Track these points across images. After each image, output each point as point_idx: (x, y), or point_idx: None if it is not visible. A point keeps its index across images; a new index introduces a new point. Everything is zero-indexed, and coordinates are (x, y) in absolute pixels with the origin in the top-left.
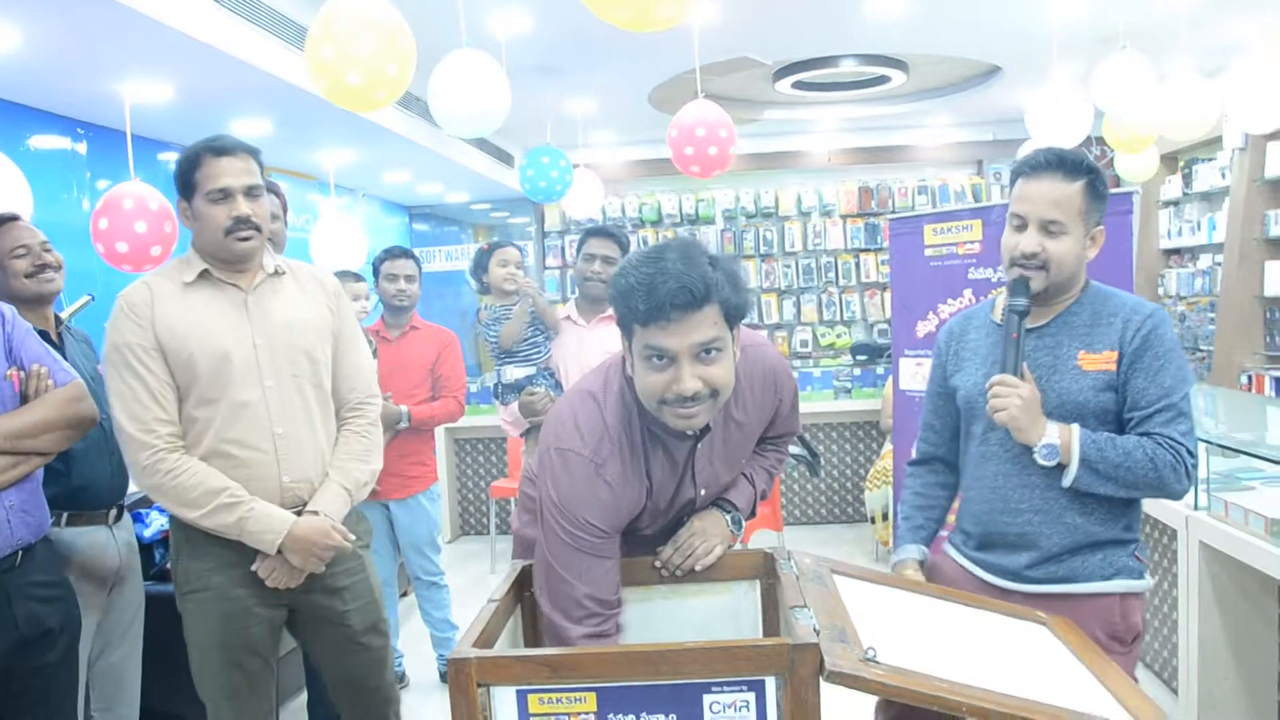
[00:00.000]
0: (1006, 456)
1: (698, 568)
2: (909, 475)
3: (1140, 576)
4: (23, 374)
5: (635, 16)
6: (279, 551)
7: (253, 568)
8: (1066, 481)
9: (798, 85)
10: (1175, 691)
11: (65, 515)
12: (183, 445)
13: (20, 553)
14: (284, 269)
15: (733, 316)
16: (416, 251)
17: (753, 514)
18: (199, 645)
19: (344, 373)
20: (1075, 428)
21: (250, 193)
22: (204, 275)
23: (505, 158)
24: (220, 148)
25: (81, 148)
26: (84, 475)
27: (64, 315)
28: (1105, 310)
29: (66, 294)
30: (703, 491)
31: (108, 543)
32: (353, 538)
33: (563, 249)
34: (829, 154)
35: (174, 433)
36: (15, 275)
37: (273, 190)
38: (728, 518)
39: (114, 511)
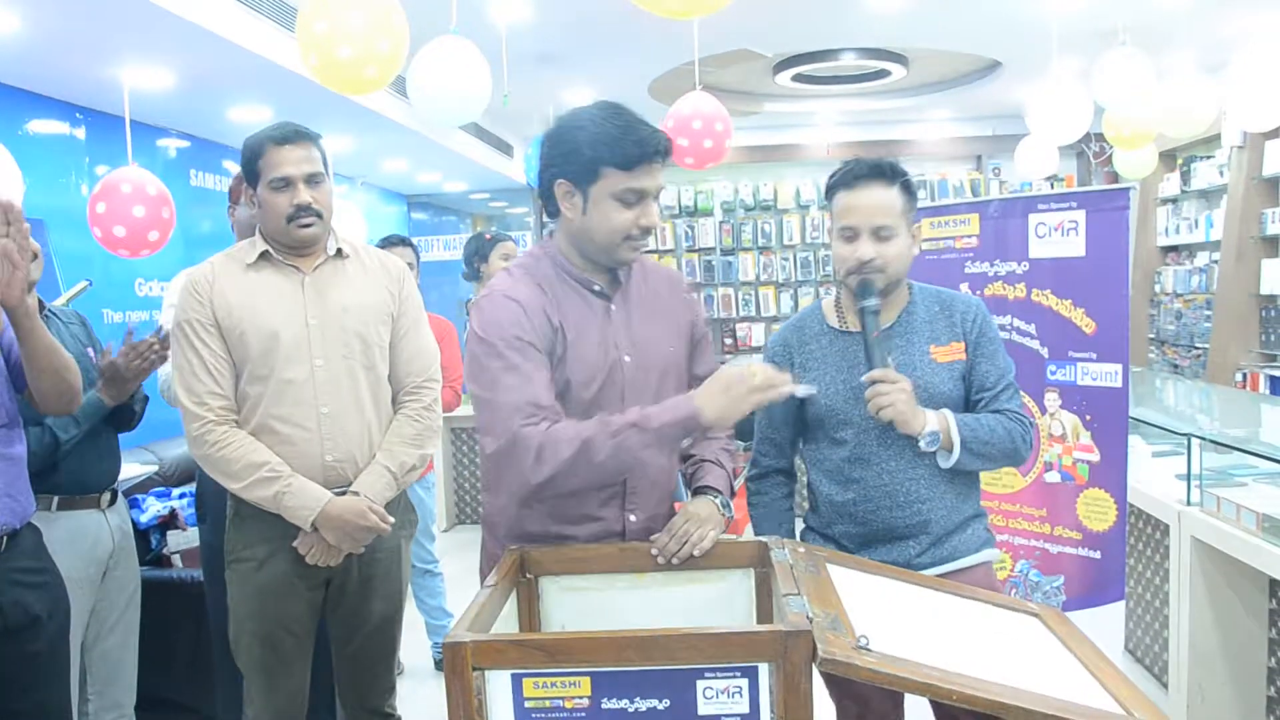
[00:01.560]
0: (887, 455)
1: (696, 552)
2: (754, 492)
3: (993, 545)
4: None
5: (685, 5)
6: (315, 529)
7: (294, 543)
8: (948, 464)
9: (798, 78)
10: (1165, 685)
11: (56, 499)
12: (234, 419)
13: (5, 538)
14: (348, 252)
15: None
16: (415, 240)
17: (733, 493)
18: (237, 615)
19: (404, 356)
20: (948, 413)
21: (311, 180)
22: (265, 256)
23: (504, 147)
24: (282, 136)
25: (80, 133)
26: (74, 459)
27: (61, 300)
28: (939, 306)
29: (65, 278)
30: (626, 358)
31: (100, 527)
32: (391, 520)
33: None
34: (828, 147)
35: (226, 406)
36: None
37: None
38: (717, 501)
39: (107, 495)
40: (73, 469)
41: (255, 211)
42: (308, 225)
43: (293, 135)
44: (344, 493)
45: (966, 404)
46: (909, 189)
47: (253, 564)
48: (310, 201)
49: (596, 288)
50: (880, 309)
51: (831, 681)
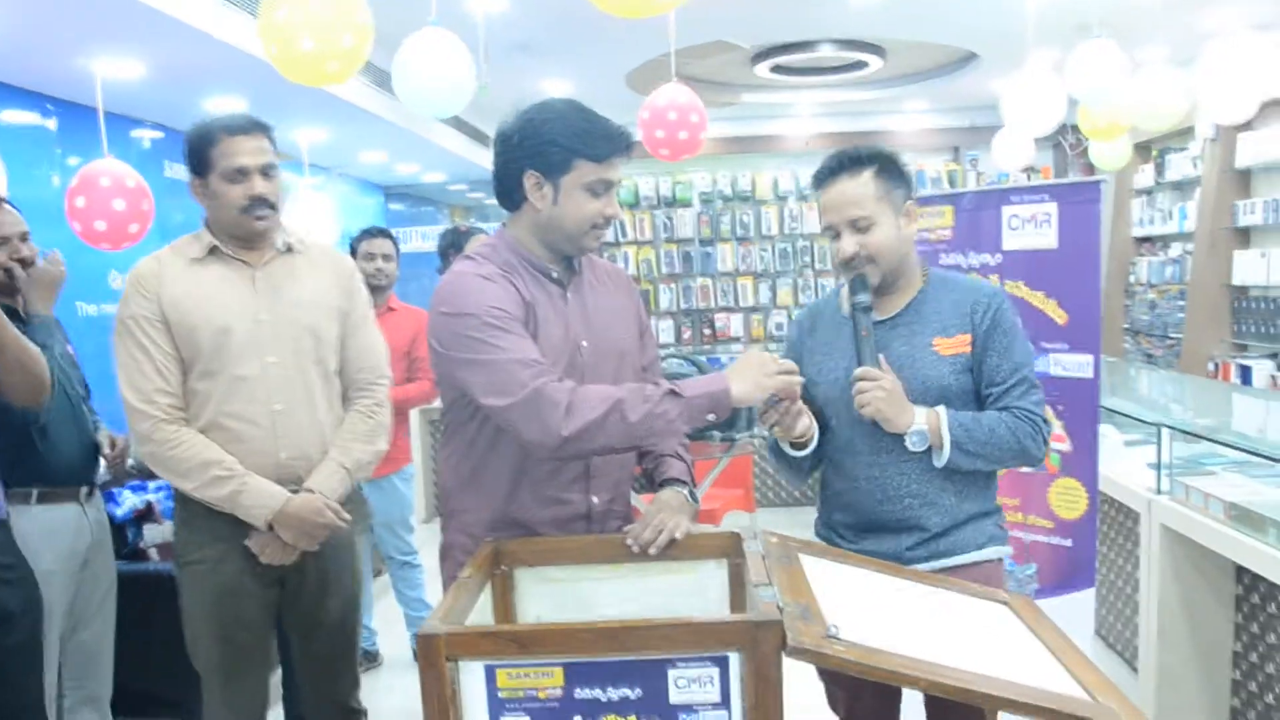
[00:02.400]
0: (876, 448)
1: (678, 534)
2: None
3: (1004, 543)
4: None
5: (636, 5)
6: (271, 528)
7: (246, 542)
8: (940, 463)
9: (776, 69)
10: (1135, 669)
11: (36, 492)
12: (183, 417)
13: None
14: (298, 247)
15: None
16: (394, 232)
17: (695, 483)
18: (193, 617)
19: (353, 353)
20: (941, 411)
21: (266, 171)
22: (214, 251)
23: (482, 138)
24: (236, 125)
25: (52, 124)
26: (56, 452)
27: None
28: (950, 296)
29: None
30: (584, 343)
31: (80, 520)
32: (348, 517)
33: None
34: (806, 138)
35: (174, 404)
36: None
37: None
38: (685, 492)
39: (85, 489)
40: (52, 462)
41: (206, 202)
42: (262, 217)
43: (249, 125)
44: (297, 490)
45: (979, 399)
46: (887, 170)
47: (206, 565)
48: (265, 193)
49: (554, 275)
50: (871, 305)
51: (824, 672)
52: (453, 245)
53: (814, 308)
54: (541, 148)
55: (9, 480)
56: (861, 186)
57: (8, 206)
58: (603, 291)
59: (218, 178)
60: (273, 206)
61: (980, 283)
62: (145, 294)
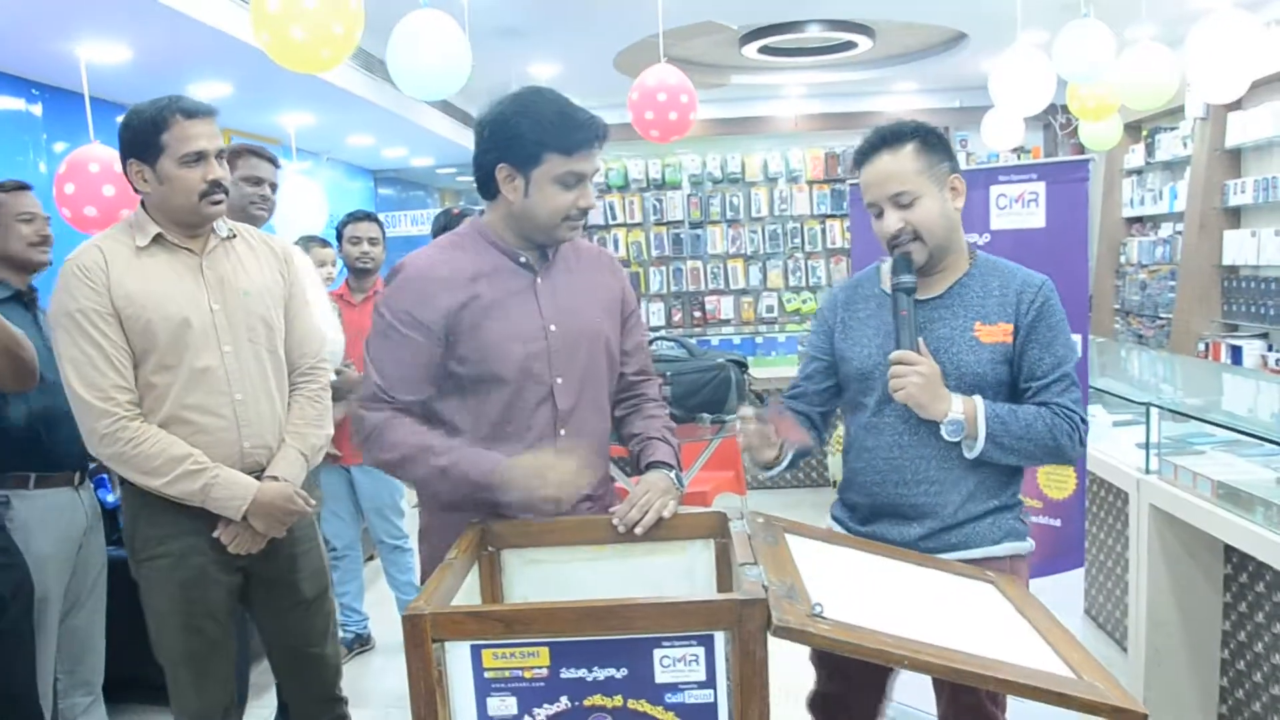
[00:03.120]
0: (902, 429)
1: (665, 514)
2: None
3: (1024, 539)
4: None
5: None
6: (244, 518)
7: (215, 534)
8: (972, 454)
9: (764, 50)
10: (1124, 649)
11: (34, 477)
12: (140, 413)
13: None
14: (235, 232)
15: None
16: (381, 216)
17: (681, 466)
18: (157, 612)
19: (295, 338)
20: (978, 401)
21: (219, 155)
22: (158, 239)
23: (470, 121)
24: (191, 109)
25: (37, 109)
26: (55, 438)
27: None
28: (997, 282)
29: None
30: (553, 327)
31: (75, 504)
32: (314, 502)
33: None
34: (795, 119)
35: (132, 400)
36: (18, 238)
37: (271, 159)
38: (671, 474)
39: (78, 474)
40: (51, 447)
41: (151, 188)
42: (218, 202)
43: (203, 109)
44: (259, 478)
45: (1013, 390)
46: (926, 143)
47: (170, 560)
48: (223, 178)
49: (523, 259)
50: (914, 286)
51: (817, 654)
52: (445, 227)
53: (853, 282)
54: (511, 141)
55: (8, 464)
56: (903, 160)
57: (32, 192)
58: (579, 274)
59: (171, 162)
60: (226, 191)
61: (1031, 273)
62: (93, 286)
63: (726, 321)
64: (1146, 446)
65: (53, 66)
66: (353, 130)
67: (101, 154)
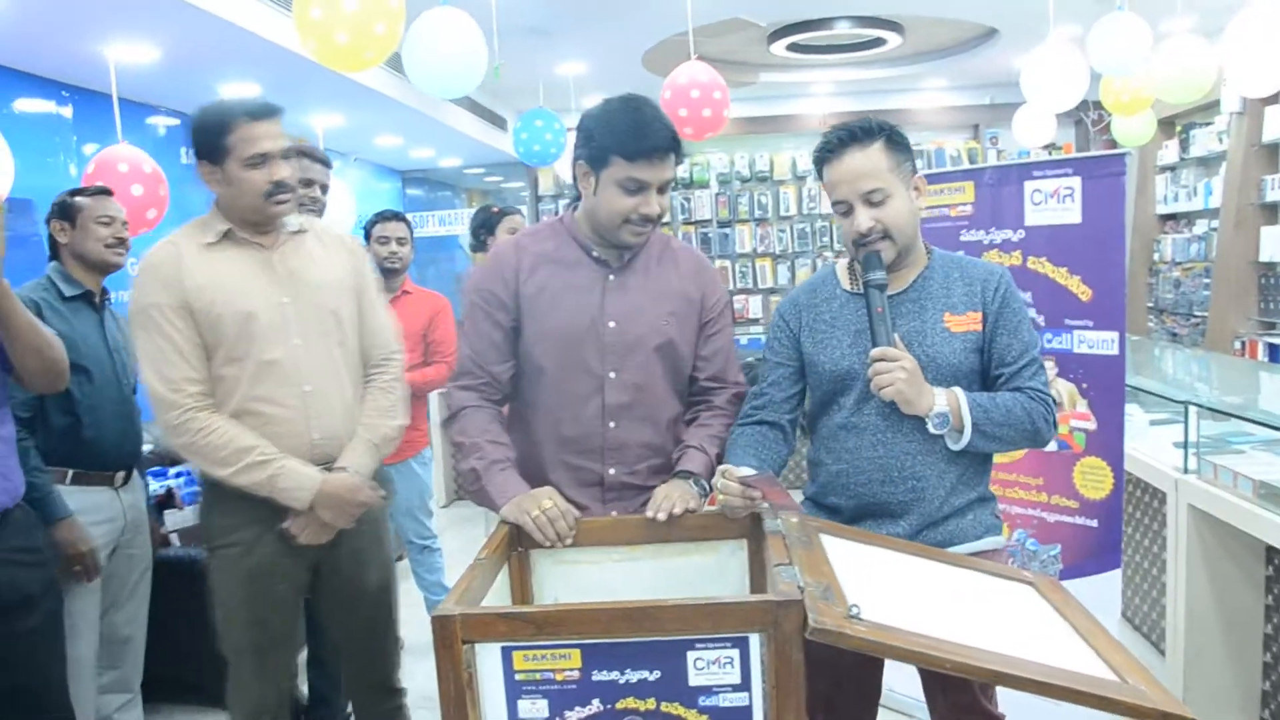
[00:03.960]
0: (883, 425)
1: (676, 510)
2: (736, 434)
3: (999, 532)
4: None
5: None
6: (310, 508)
7: (283, 525)
8: (958, 446)
9: (792, 48)
10: (1162, 652)
11: (71, 473)
12: (211, 404)
13: None
14: (305, 227)
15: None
16: (410, 216)
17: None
18: (224, 602)
19: (367, 330)
20: (959, 393)
21: (285, 155)
22: (227, 235)
23: (498, 121)
24: (256, 111)
25: (67, 111)
26: (94, 435)
27: None
28: (958, 273)
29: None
30: (611, 324)
31: (113, 504)
32: (382, 493)
33: (557, 212)
34: (824, 117)
35: (203, 391)
36: (96, 239)
37: (323, 161)
38: (689, 482)
39: (121, 474)
40: (93, 446)
41: (220, 188)
42: (284, 202)
43: (268, 110)
44: (329, 469)
45: (984, 379)
46: (894, 141)
47: (239, 549)
48: (287, 178)
49: (596, 254)
50: (886, 283)
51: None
52: (483, 225)
53: (811, 284)
54: (587, 140)
55: (49, 458)
56: (873, 158)
57: (115, 198)
58: (657, 277)
59: (237, 164)
60: (292, 190)
61: (989, 263)
62: (165, 282)
63: (755, 321)
64: (1185, 445)
65: (82, 68)
66: (381, 131)
67: (129, 154)
